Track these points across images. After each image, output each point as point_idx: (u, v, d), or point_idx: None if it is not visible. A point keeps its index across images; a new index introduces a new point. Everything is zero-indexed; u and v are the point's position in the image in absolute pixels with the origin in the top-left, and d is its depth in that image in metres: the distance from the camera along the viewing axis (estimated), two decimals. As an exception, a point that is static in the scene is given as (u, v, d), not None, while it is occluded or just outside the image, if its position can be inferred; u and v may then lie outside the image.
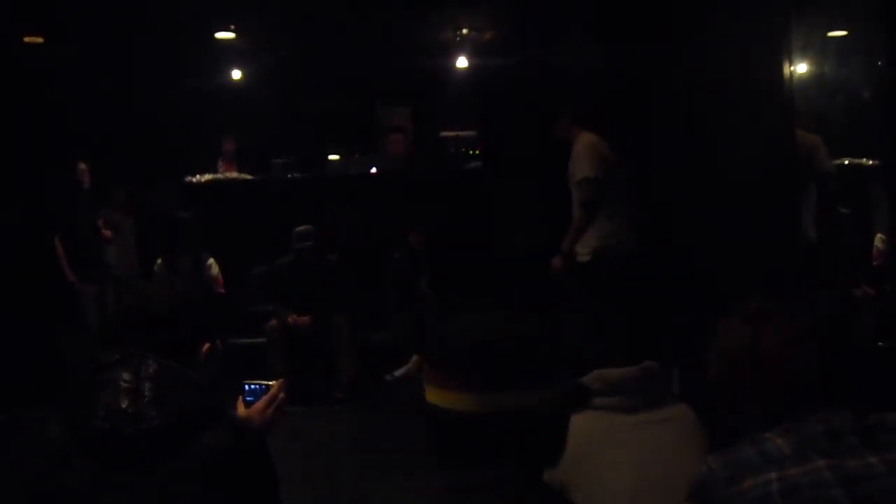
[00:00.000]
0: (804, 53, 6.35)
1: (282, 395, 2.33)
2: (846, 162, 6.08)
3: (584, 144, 5.50)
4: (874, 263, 5.50)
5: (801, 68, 6.54)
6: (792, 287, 3.78)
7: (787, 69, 4.82)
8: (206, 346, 2.07)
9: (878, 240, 5.50)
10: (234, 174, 8.94)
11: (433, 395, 1.47)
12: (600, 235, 5.46)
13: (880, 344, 4.67)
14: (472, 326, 1.51)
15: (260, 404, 2.30)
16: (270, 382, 2.32)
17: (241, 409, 2.31)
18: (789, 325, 1.68)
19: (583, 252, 5.49)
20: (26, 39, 8.41)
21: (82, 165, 7.81)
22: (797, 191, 4.83)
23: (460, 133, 9.33)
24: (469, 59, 9.88)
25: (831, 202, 5.39)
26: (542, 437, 1.46)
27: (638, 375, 2.34)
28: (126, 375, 1.79)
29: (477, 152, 9.01)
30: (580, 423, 2.31)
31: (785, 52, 4.85)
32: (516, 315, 1.52)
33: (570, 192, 5.55)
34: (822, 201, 5.22)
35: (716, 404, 1.77)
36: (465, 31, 9.52)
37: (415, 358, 6.84)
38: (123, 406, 1.76)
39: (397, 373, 6.95)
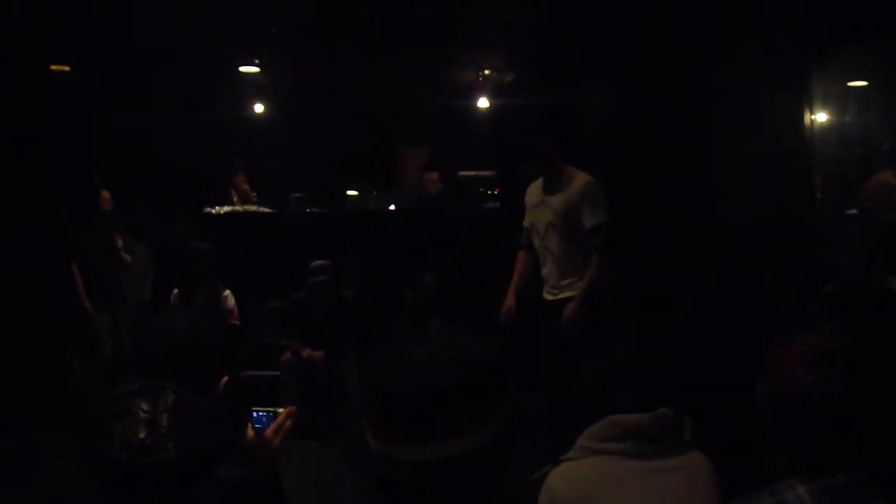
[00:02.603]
0: (824, 103, 6.36)
1: (288, 422, 2.31)
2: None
3: (592, 185, 5.32)
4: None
5: (821, 118, 6.56)
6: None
7: (807, 119, 4.83)
8: (225, 379, 2.08)
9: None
10: (252, 207, 8.98)
11: (373, 443, 1.46)
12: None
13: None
14: (388, 375, 1.46)
15: (268, 432, 2.29)
16: (278, 410, 2.31)
17: (249, 435, 2.31)
18: (858, 369, 1.60)
19: (573, 288, 5.31)
20: (53, 67, 8.51)
21: (106, 193, 7.86)
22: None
23: (479, 173, 9.34)
24: (490, 99, 9.94)
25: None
26: (476, 479, 1.43)
27: (652, 422, 2.34)
28: (144, 406, 1.80)
29: (496, 193, 9.01)
30: (591, 468, 2.32)
31: (805, 102, 4.87)
32: (450, 355, 1.47)
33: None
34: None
35: (762, 446, 1.69)
36: (486, 72, 9.57)
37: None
38: (141, 437, 1.76)
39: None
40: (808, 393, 1.59)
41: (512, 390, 1.51)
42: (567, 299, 5.31)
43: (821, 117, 6.50)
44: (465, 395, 1.41)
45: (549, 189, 5.45)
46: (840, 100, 6.58)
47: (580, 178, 5.36)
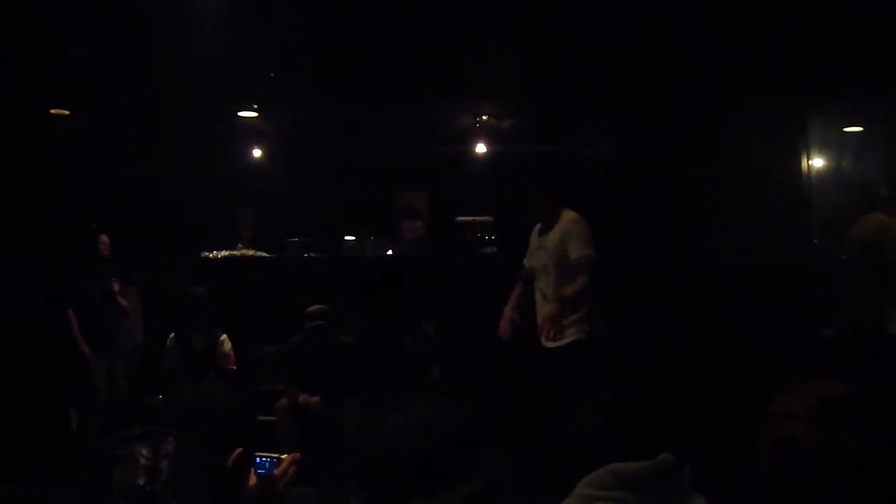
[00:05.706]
0: (821, 149, 6.40)
1: (292, 469, 2.30)
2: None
3: (578, 221, 5.34)
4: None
5: (818, 163, 6.60)
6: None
7: (804, 164, 4.86)
8: (239, 451, 2.10)
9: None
10: (249, 252, 8.98)
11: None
12: (589, 318, 5.27)
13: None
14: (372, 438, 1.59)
15: (272, 479, 2.27)
16: (282, 456, 2.30)
17: (252, 481, 2.29)
18: (872, 420, 1.56)
19: (567, 334, 5.22)
20: (52, 111, 8.56)
21: (104, 238, 7.88)
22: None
23: (477, 218, 9.35)
24: (487, 145, 9.99)
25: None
26: None
27: (654, 470, 2.30)
28: (144, 451, 1.78)
29: (493, 238, 9.01)
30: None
31: (802, 148, 4.89)
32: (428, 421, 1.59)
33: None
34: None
35: (761, 495, 1.66)
36: (484, 117, 9.63)
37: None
38: (140, 483, 1.74)
39: None
40: (817, 447, 1.55)
41: (487, 453, 1.65)
42: (560, 346, 5.23)
43: (818, 163, 6.54)
44: (438, 460, 1.54)
45: (544, 232, 5.52)
46: (837, 145, 6.62)
47: (566, 217, 5.40)
